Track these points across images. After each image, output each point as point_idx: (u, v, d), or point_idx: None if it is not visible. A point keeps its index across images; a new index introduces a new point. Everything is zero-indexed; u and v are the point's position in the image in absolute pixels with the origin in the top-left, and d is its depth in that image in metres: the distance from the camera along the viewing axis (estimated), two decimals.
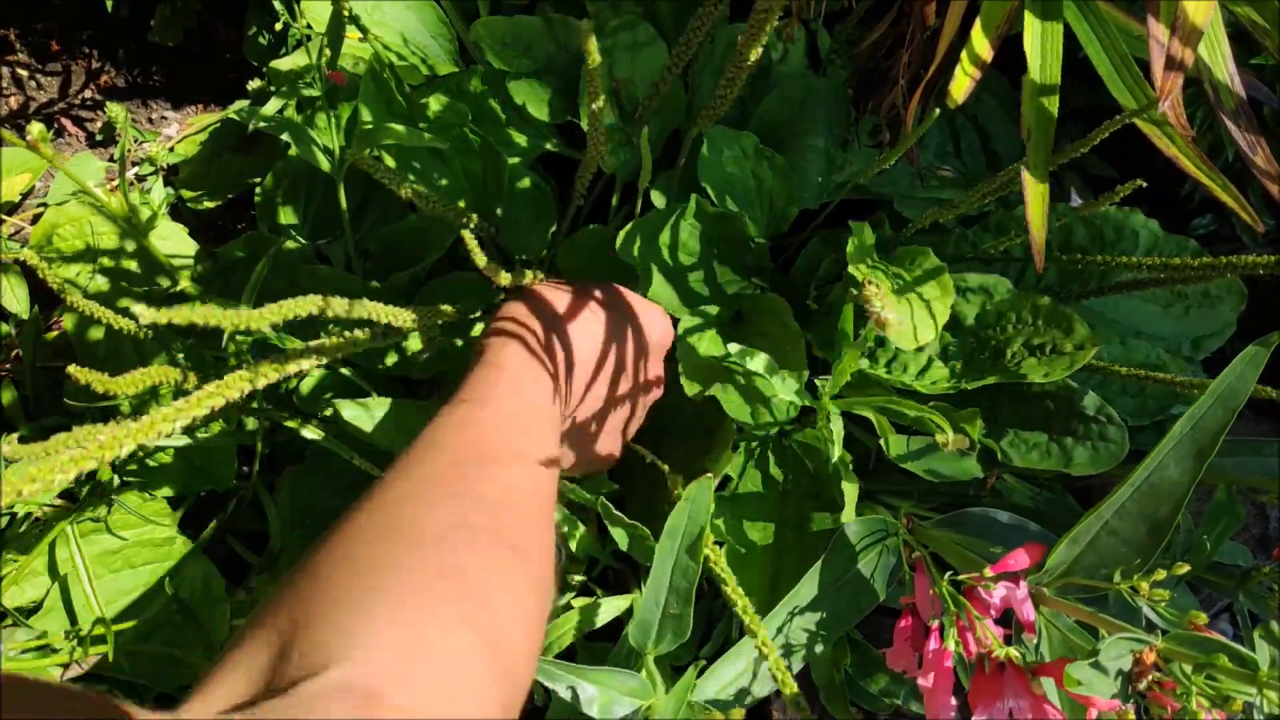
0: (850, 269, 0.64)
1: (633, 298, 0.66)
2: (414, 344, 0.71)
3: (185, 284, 0.69)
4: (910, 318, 0.63)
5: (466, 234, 0.57)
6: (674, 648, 0.53)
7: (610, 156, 0.74)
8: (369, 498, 0.46)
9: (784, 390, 0.60)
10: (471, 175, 0.75)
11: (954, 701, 0.44)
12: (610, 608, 0.65)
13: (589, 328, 0.62)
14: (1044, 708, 0.41)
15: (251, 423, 0.74)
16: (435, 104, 0.75)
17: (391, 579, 0.39)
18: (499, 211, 0.75)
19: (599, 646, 0.71)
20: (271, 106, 0.74)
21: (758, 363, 0.59)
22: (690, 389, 0.64)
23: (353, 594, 0.37)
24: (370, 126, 0.70)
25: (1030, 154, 0.59)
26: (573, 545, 0.70)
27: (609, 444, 0.66)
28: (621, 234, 0.69)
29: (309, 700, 0.32)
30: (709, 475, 0.54)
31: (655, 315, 0.67)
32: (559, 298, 0.63)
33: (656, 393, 0.68)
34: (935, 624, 0.45)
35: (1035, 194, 0.58)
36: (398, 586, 0.38)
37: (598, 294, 0.64)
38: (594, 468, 0.68)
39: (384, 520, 0.43)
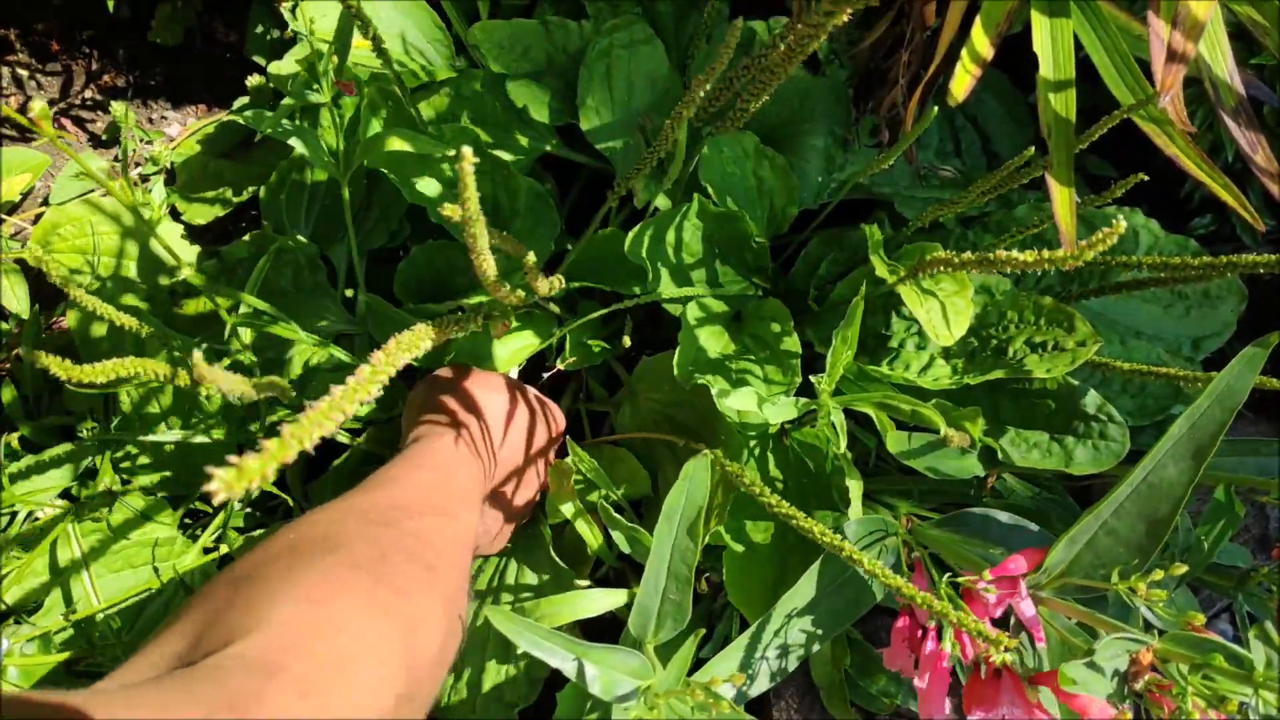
0: (872, 257, 0.64)
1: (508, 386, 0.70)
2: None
3: (193, 279, 0.69)
4: (941, 312, 0.63)
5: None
6: (674, 635, 0.52)
7: (644, 192, 0.73)
8: (290, 526, 0.47)
9: (776, 416, 0.61)
10: (481, 193, 0.75)
11: (949, 703, 0.44)
12: (607, 599, 0.64)
13: (497, 412, 0.67)
14: (1039, 717, 0.41)
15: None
16: (436, 107, 0.75)
17: (303, 572, 0.40)
18: (508, 232, 0.74)
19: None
20: (280, 112, 0.74)
21: (747, 400, 0.60)
22: (685, 380, 0.65)
23: (264, 585, 0.39)
24: (375, 133, 0.70)
25: (1053, 152, 0.59)
26: (586, 547, 0.70)
27: (525, 495, 0.70)
28: (630, 235, 0.69)
29: (208, 671, 0.33)
30: (706, 452, 0.54)
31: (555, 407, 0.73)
32: (472, 384, 0.67)
33: (555, 447, 0.73)
34: (932, 625, 0.45)
35: (1061, 195, 0.59)
36: (309, 576, 0.40)
37: (495, 380, 0.69)
38: (513, 520, 0.70)
39: (299, 537, 0.45)
